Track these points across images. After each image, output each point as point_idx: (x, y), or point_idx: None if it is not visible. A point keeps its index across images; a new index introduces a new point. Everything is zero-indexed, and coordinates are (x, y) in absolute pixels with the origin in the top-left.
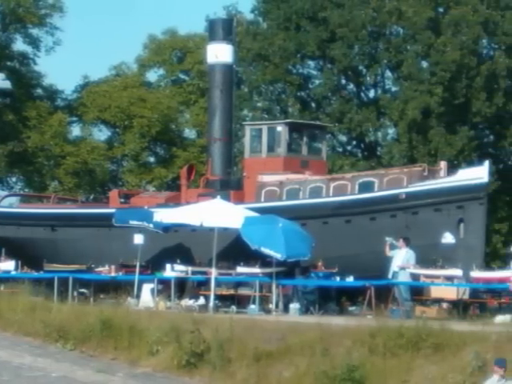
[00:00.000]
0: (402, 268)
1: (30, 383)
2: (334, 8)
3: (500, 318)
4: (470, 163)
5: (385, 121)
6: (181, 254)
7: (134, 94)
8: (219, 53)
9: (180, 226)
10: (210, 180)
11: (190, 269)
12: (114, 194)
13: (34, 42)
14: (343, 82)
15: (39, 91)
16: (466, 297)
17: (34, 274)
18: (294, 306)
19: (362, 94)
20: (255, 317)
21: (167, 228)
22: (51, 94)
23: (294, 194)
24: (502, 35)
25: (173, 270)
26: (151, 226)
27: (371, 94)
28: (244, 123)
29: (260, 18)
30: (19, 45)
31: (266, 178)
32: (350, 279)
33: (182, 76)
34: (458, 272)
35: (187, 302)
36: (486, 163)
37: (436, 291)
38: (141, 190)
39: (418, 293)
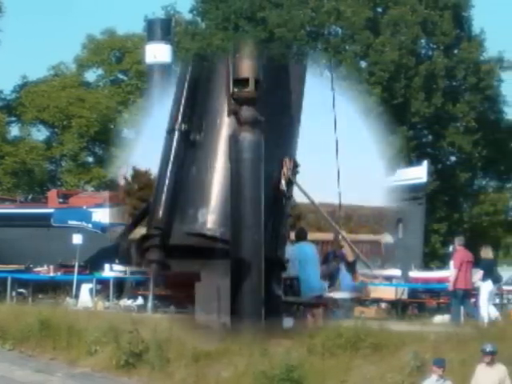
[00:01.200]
0: None
1: None
2: (273, 8)
3: (438, 318)
4: (409, 163)
5: None
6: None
7: (73, 94)
8: (158, 53)
9: (118, 225)
10: None
11: (128, 269)
12: (52, 194)
13: None
14: None
15: None
16: (405, 297)
17: None
18: None
19: None
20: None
21: (106, 228)
22: None
23: None
24: (440, 35)
25: (111, 270)
26: (90, 225)
27: None
28: None
29: (198, 17)
30: None
31: None
32: None
33: (120, 76)
34: (396, 272)
35: (126, 302)
36: (425, 163)
37: (375, 291)
38: (79, 190)
39: None
